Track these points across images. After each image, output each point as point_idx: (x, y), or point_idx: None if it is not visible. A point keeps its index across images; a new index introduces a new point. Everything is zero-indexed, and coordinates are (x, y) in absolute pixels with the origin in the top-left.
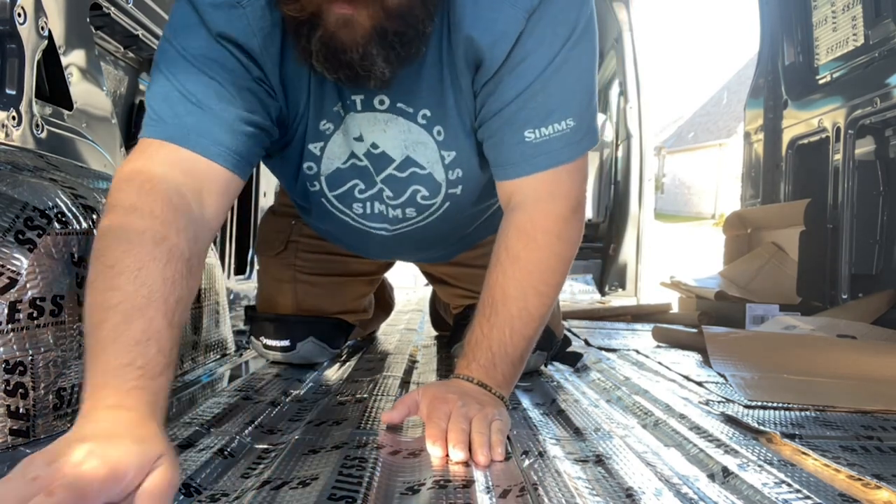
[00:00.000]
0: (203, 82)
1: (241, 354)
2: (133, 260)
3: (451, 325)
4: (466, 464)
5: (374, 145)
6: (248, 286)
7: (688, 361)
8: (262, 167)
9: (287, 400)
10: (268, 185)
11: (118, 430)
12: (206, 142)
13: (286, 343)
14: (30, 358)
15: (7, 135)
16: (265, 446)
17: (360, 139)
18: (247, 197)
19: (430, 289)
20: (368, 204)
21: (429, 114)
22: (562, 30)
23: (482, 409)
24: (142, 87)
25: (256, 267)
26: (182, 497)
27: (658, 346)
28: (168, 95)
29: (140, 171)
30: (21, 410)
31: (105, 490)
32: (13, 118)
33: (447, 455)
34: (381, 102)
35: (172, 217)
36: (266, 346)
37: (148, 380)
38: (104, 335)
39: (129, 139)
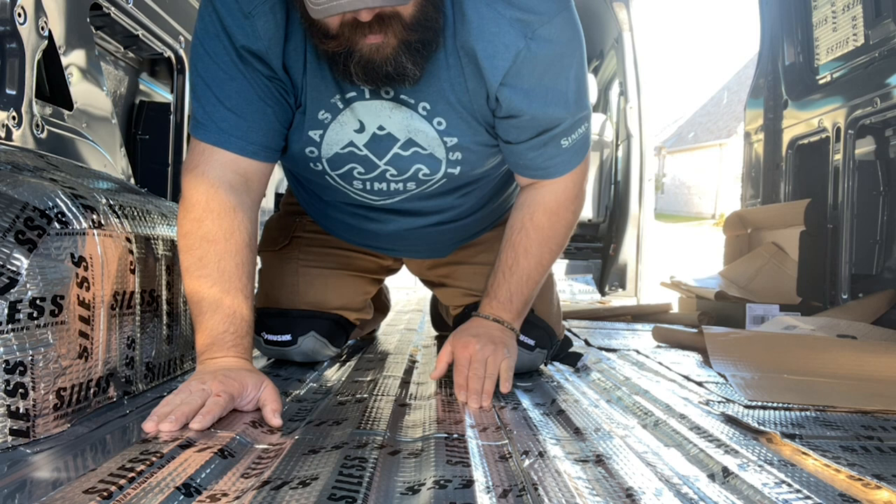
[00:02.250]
0: (233, 89)
1: None
2: (214, 254)
3: (451, 326)
4: (466, 464)
5: (381, 127)
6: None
7: (688, 361)
8: None
9: (287, 400)
10: (268, 185)
11: (234, 367)
12: (243, 143)
13: (287, 337)
14: (30, 358)
15: (8, 135)
16: (265, 446)
17: (360, 130)
18: None
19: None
20: (368, 183)
21: (428, 107)
22: (569, 59)
23: (496, 350)
24: (142, 86)
25: (257, 266)
26: (182, 497)
27: (658, 346)
28: (207, 100)
29: (204, 174)
30: (21, 410)
31: (240, 396)
32: (14, 118)
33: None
34: (387, 92)
35: (233, 214)
36: (267, 342)
37: (239, 338)
38: (204, 311)
39: (129, 139)
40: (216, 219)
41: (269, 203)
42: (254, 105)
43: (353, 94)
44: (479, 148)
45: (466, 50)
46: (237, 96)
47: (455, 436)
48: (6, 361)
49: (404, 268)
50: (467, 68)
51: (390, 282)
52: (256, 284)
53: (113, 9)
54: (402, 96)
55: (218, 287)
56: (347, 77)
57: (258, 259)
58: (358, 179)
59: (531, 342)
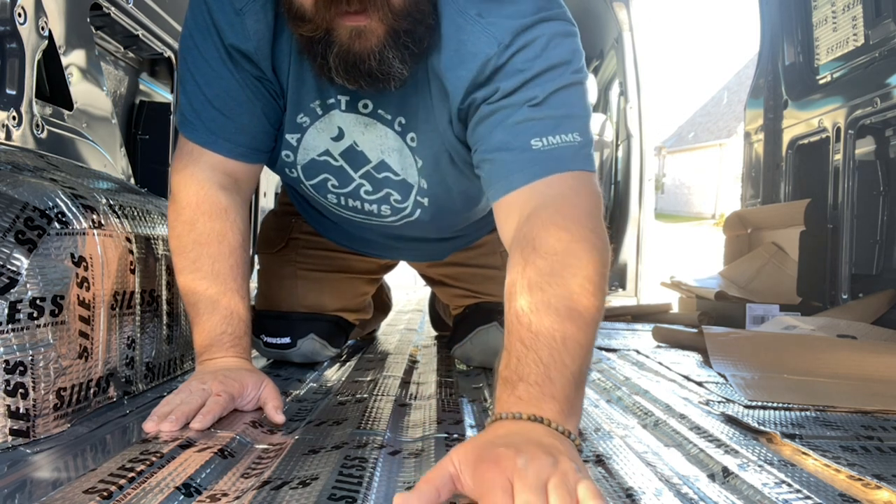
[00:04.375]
0: (222, 88)
1: None
2: (208, 257)
3: (451, 326)
4: None
5: (356, 143)
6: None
7: (688, 361)
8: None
9: (287, 400)
10: (268, 185)
11: (233, 366)
12: (231, 145)
13: (287, 340)
14: (30, 358)
15: (7, 135)
16: (265, 446)
17: (338, 138)
18: None
19: (429, 289)
20: (343, 198)
21: (404, 121)
22: (557, 70)
23: (556, 464)
24: (142, 86)
25: (257, 267)
26: (182, 497)
27: (658, 346)
28: (195, 97)
29: (193, 175)
30: (21, 410)
31: (240, 395)
32: (13, 118)
33: None
34: (365, 106)
35: (225, 216)
36: (266, 344)
37: (238, 339)
38: (201, 313)
39: (129, 139)
40: (208, 221)
41: (270, 203)
42: (243, 107)
43: (332, 100)
44: (443, 177)
45: (432, 65)
46: (226, 96)
47: (455, 436)
48: (6, 361)
49: (404, 265)
50: (433, 83)
51: (391, 281)
52: (255, 284)
53: (113, 9)
54: (379, 111)
55: (214, 289)
56: (326, 72)
57: (256, 260)
58: (332, 193)
59: None
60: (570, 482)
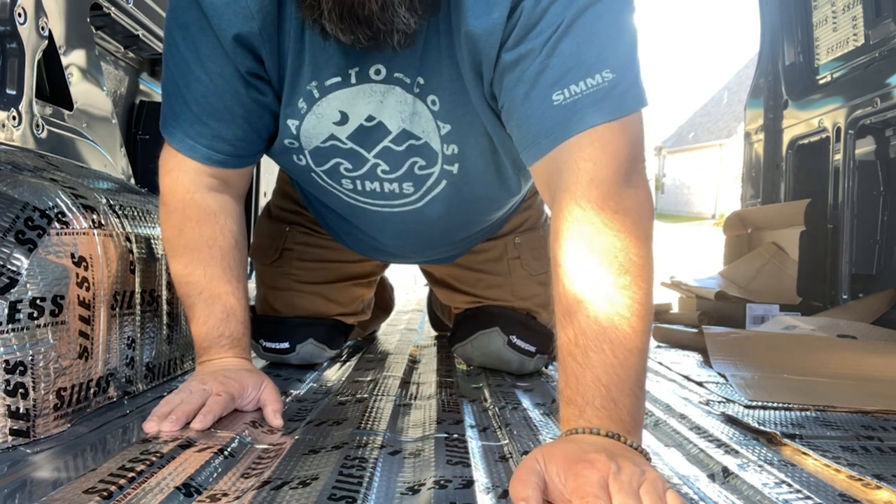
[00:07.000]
0: (201, 92)
1: None
2: (199, 261)
3: (452, 325)
4: (466, 464)
5: (370, 118)
6: (249, 285)
7: (688, 361)
8: (263, 166)
9: (287, 400)
10: (268, 185)
11: (233, 367)
12: (210, 152)
13: (285, 345)
14: (30, 358)
15: (8, 135)
16: (265, 446)
17: (342, 122)
18: (247, 197)
19: (428, 289)
20: (358, 182)
21: (422, 82)
22: (597, 8)
23: (644, 473)
24: (142, 86)
25: (253, 272)
26: (182, 497)
27: (658, 346)
28: (175, 98)
29: (178, 180)
30: (21, 410)
31: (240, 396)
32: (13, 118)
33: None
34: (378, 72)
35: (213, 220)
36: (265, 349)
37: (236, 340)
38: (198, 316)
39: (129, 139)
40: (195, 226)
41: None
42: (221, 114)
43: (336, 79)
44: (474, 144)
45: (458, 28)
46: (203, 101)
47: (455, 436)
48: (6, 361)
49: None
50: (460, 41)
51: (392, 281)
52: (255, 286)
53: (113, 9)
54: (396, 74)
55: (208, 293)
56: (316, 17)
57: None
58: (346, 178)
59: (532, 349)
60: (660, 489)
